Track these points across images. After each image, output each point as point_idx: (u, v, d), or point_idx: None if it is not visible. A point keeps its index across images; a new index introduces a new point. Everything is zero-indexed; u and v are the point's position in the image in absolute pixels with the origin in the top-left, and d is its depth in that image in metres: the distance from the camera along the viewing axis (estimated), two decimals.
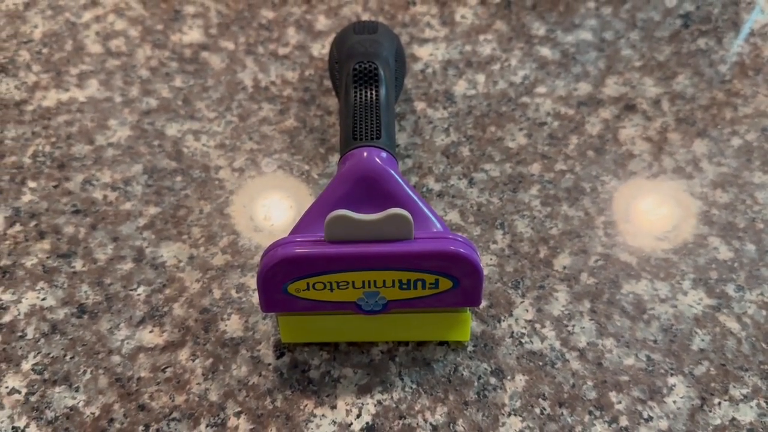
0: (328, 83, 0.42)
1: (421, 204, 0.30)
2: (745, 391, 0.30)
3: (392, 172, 0.31)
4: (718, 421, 0.30)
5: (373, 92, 0.34)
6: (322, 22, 0.45)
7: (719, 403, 0.30)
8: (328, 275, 0.29)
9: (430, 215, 0.30)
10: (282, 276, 0.29)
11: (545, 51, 0.44)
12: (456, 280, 0.29)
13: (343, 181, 0.31)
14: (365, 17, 0.46)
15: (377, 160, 0.31)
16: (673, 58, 0.43)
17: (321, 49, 0.44)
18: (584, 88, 0.42)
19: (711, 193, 0.37)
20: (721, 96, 0.41)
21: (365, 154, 0.31)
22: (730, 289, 0.34)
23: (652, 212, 0.37)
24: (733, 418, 0.30)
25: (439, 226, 0.30)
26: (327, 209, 0.29)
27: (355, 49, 0.36)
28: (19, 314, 0.33)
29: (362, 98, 0.34)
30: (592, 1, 0.47)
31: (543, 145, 0.39)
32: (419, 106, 0.41)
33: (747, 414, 0.30)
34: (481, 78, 0.42)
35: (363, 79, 0.35)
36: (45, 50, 0.44)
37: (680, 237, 0.36)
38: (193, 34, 0.45)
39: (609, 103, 0.41)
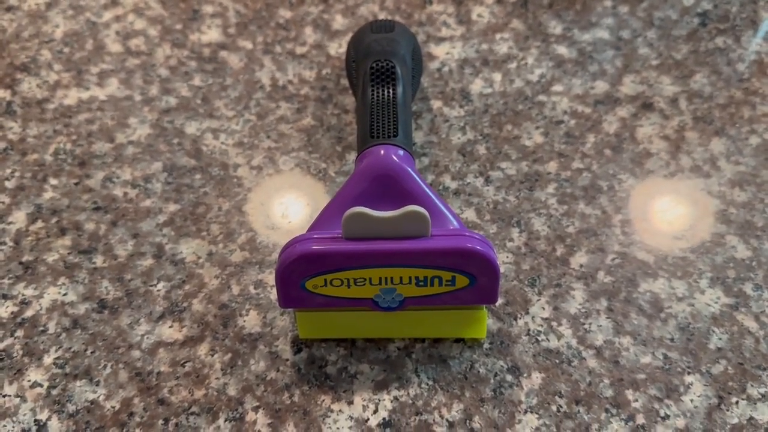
0: (345, 82, 0.42)
1: (437, 202, 0.31)
2: (763, 390, 0.30)
3: (409, 169, 0.31)
4: (735, 420, 0.29)
5: (390, 90, 0.34)
6: (339, 22, 0.46)
7: (737, 402, 0.30)
8: (346, 272, 0.29)
9: (447, 213, 0.30)
10: (300, 272, 0.29)
11: (562, 49, 0.44)
12: (473, 277, 0.29)
13: (361, 178, 0.31)
14: (382, 16, 0.46)
15: (394, 157, 0.31)
16: (690, 57, 0.43)
17: (338, 48, 0.44)
18: (601, 86, 0.42)
19: (729, 191, 0.37)
20: (739, 95, 0.41)
21: (382, 152, 0.32)
22: (747, 288, 0.34)
23: (669, 211, 0.37)
24: (751, 417, 0.29)
25: (455, 223, 0.30)
26: (344, 207, 0.29)
27: (372, 48, 0.37)
28: (41, 309, 0.33)
29: (379, 96, 0.34)
30: (609, 0, 0.46)
31: (560, 143, 0.39)
32: (436, 104, 0.41)
33: (765, 413, 0.30)
34: (497, 76, 0.42)
35: (380, 77, 0.35)
36: (66, 49, 0.44)
37: (698, 236, 0.35)
38: (211, 34, 0.45)
39: (626, 101, 0.41)
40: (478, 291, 0.29)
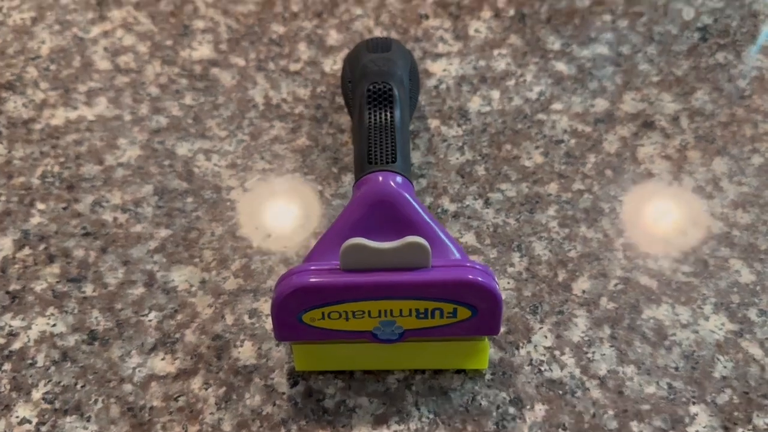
0: (340, 100, 0.42)
1: (437, 230, 0.30)
2: None
3: (408, 197, 0.30)
4: None
5: (388, 114, 0.34)
6: (333, 37, 0.45)
7: None
8: (344, 305, 0.28)
9: (447, 241, 0.30)
10: (296, 305, 0.28)
11: (561, 66, 0.43)
12: (475, 309, 0.28)
13: (359, 206, 0.30)
14: (377, 31, 0.45)
15: (392, 184, 0.31)
16: (691, 73, 0.43)
17: (333, 64, 0.43)
18: (601, 104, 0.41)
19: (732, 213, 0.36)
20: (741, 112, 0.41)
21: (380, 179, 0.31)
22: (752, 313, 0.33)
23: (671, 234, 0.36)
24: None
25: (456, 252, 0.30)
26: (342, 235, 0.29)
27: (369, 69, 0.36)
28: (29, 341, 0.32)
29: (377, 120, 0.33)
30: (608, 14, 0.46)
31: (560, 163, 0.38)
32: (433, 123, 0.40)
33: None
34: (495, 94, 0.42)
35: (377, 100, 0.34)
36: (53, 67, 0.43)
37: (701, 259, 0.35)
38: (202, 50, 0.44)
39: (627, 120, 0.40)
40: (480, 322, 0.29)
